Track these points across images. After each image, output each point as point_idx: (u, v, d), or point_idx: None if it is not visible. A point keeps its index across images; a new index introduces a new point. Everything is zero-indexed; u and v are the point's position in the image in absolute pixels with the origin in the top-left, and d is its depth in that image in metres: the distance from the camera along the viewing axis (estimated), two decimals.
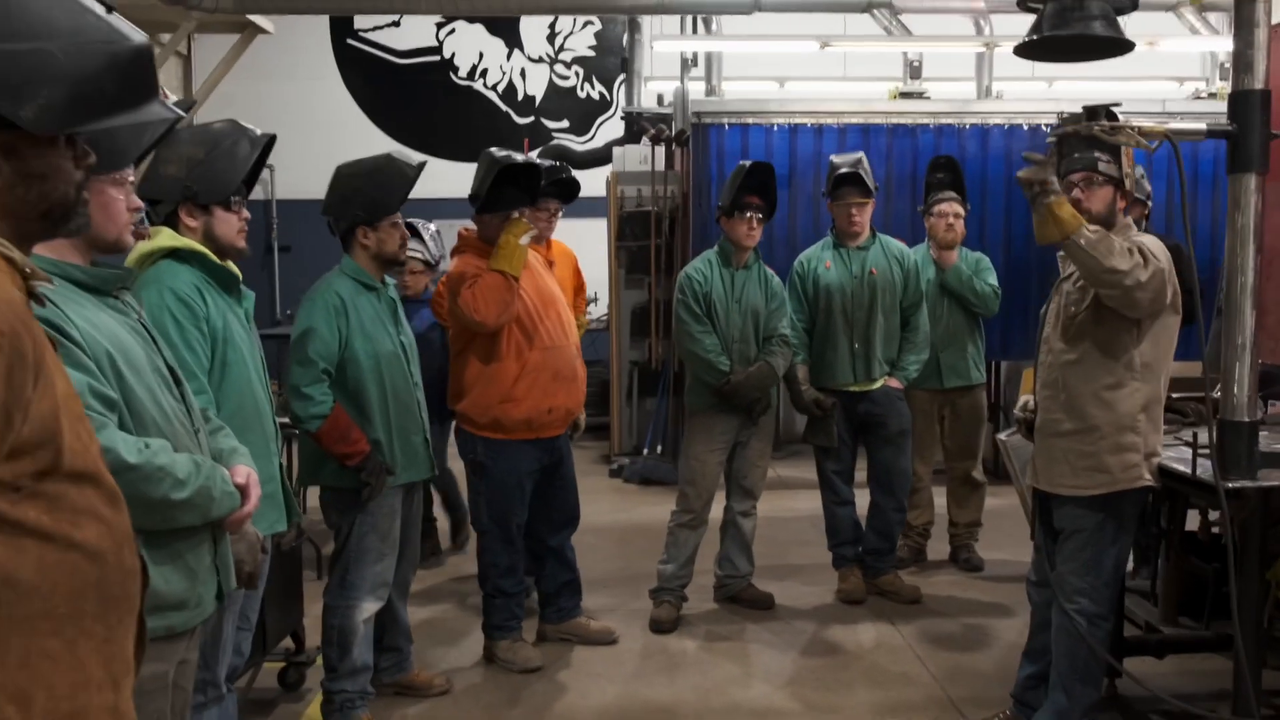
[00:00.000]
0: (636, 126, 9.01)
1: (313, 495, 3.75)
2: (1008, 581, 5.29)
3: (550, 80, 12.98)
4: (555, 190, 5.02)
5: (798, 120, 7.19)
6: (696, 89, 8.46)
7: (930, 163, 5.76)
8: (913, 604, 5.03)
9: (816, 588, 5.27)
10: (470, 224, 4.34)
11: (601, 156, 9.72)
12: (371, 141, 12.29)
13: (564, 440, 4.45)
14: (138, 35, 1.53)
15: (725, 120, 7.21)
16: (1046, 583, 3.47)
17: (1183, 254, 3.45)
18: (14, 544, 1.35)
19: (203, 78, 9.23)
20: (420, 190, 3.84)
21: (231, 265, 2.91)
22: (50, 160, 1.50)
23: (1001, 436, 4.07)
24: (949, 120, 7.22)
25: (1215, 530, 3.61)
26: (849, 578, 5.16)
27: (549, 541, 4.51)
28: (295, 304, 10.77)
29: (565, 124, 12.89)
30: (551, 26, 12.91)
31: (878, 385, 5.06)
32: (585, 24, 12.96)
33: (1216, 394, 3.23)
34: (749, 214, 4.77)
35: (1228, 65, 8.31)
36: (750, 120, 7.20)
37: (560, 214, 5.31)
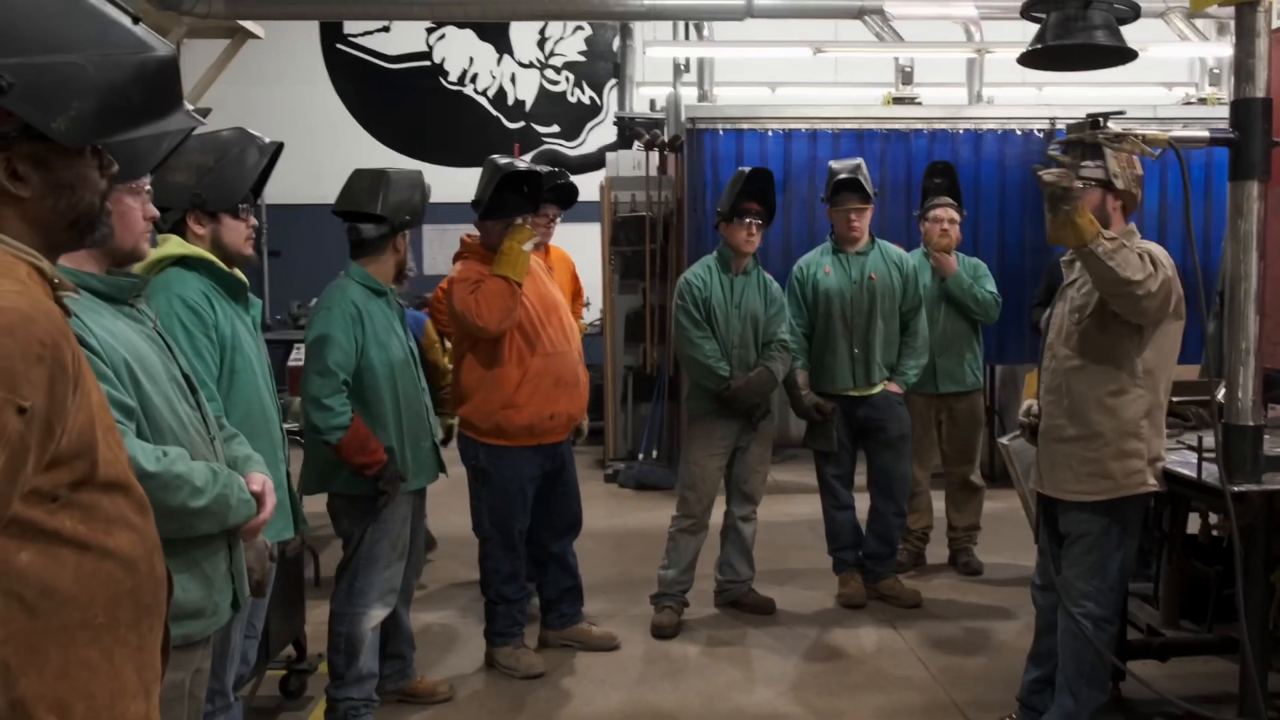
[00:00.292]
0: (629, 132, 9.02)
1: (310, 501, 3.74)
2: (1007, 585, 5.33)
3: (540, 85, 12.98)
4: (553, 196, 5.02)
5: (792, 125, 7.21)
6: (688, 94, 8.48)
7: (928, 167, 5.79)
8: (913, 608, 5.04)
9: (817, 592, 5.28)
10: (467, 228, 4.35)
11: (594, 161, 9.73)
12: (361, 146, 12.28)
13: (566, 446, 4.45)
14: (164, 46, 1.54)
15: (720, 125, 7.23)
16: (1051, 587, 3.48)
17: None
18: (51, 553, 1.35)
19: (193, 82, 9.19)
20: None
21: (239, 272, 2.92)
22: (78, 170, 1.51)
23: (1004, 441, 4.08)
24: (943, 125, 7.25)
25: (1215, 533, 3.64)
26: (849, 582, 5.17)
27: (551, 547, 4.51)
28: (285, 309, 10.78)
29: (556, 129, 12.90)
30: (542, 31, 12.91)
31: (877, 390, 5.07)
32: (575, 29, 12.96)
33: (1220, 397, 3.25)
34: (748, 219, 4.78)
35: (1216, 70, 8.41)
36: (744, 125, 7.22)
37: (559, 219, 5.31)
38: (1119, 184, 3.31)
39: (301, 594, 4.20)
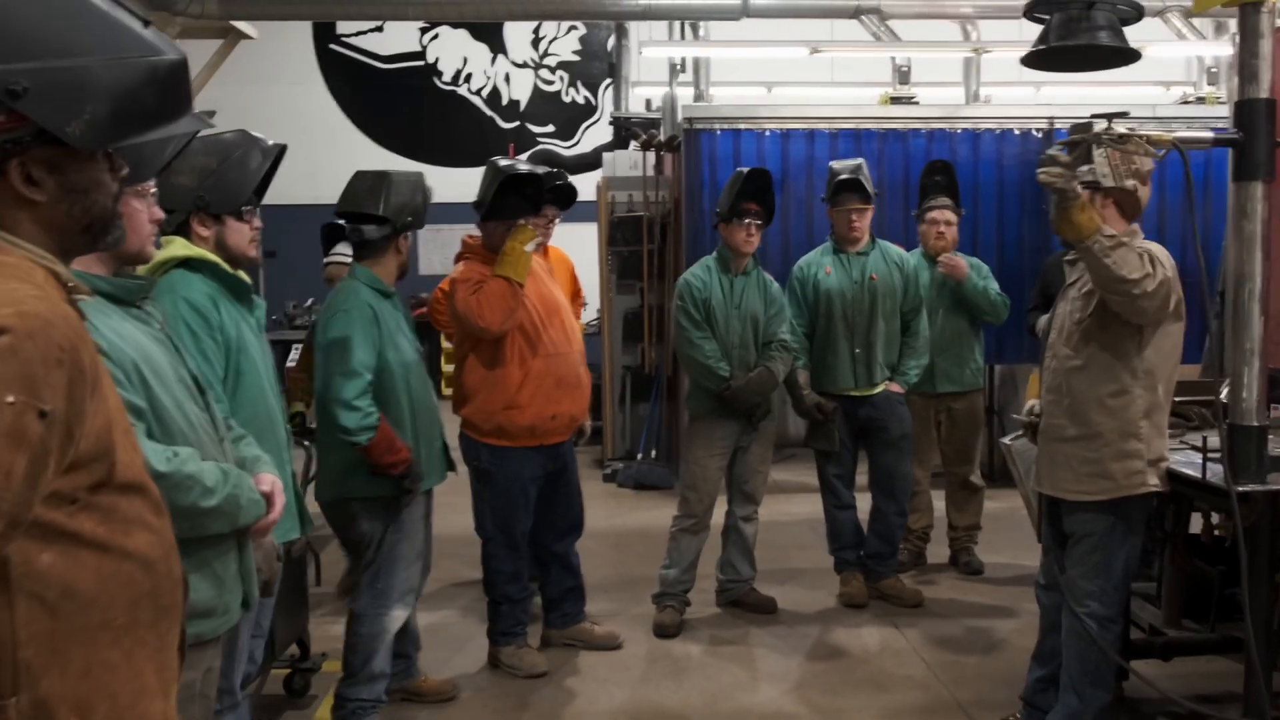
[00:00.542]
0: (626, 132, 9.02)
1: (313, 502, 3.74)
2: (1008, 584, 5.34)
3: (535, 85, 12.98)
4: (553, 196, 5.01)
5: (789, 125, 7.20)
6: (684, 94, 8.47)
7: (926, 166, 5.80)
8: (915, 607, 5.05)
9: (818, 592, 5.28)
10: (461, 228, 4.35)
11: (590, 161, 9.74)
12: (355, 146, 12.28)
13: (568, 447, 4.45)
14: (174, 49, 1.53)
15: (717, 125, 7.21)
16: (1055, 586, 3.49)
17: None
18: (71, 555, 1.36)
19: None
20: None
21: (243, 274, 2.91)
22: (91, 174, 1.51)
23: (1006, 441, 4.09)
24: (941, 125, 7.25)
25: (1218, 533, 3.65)
26: (851, 581, 5.17)
27: (553, 547, 4.51)
28: (280, 309, 10.76)
29: (550, 129, 12.89)
30: (536, 31, 12.90)
31: (879, 390, 5.08)
32: (570, 29, 12.95)
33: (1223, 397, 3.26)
34: (747, 220, 4.78)
35: (1214, 69, 8.42)
36: (742, 125, 7.21)
37: (558, 220, 5.31)
38: (1106, 183, 3.27)
39: (305, 594, 4.21)
